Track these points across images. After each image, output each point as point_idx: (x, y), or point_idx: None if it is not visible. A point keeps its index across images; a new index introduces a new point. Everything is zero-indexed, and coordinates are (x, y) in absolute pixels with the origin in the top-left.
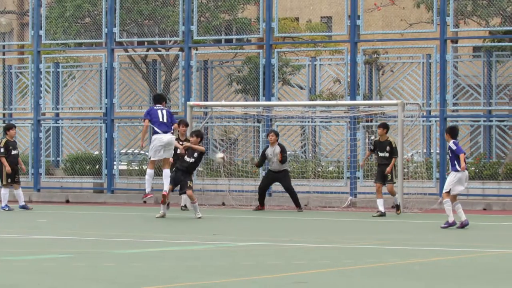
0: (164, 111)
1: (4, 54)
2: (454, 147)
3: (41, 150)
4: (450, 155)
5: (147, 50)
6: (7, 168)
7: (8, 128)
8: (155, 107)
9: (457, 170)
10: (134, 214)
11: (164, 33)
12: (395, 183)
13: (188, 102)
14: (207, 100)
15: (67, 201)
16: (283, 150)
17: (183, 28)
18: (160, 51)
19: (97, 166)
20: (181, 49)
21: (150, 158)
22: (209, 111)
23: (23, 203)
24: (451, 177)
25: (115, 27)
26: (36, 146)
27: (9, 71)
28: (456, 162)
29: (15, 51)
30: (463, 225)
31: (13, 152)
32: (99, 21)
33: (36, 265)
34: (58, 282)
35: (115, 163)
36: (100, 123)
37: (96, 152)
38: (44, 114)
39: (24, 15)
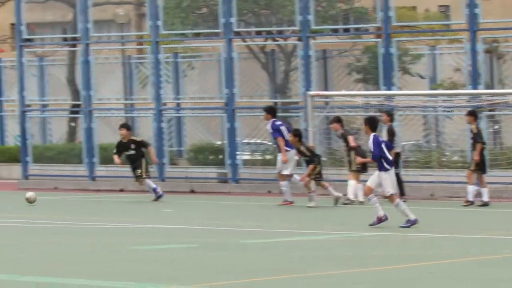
0: None
1: (123, 45)
2: (370, 146)
3: (163, 140)
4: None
5: (265, 40)
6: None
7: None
8: None
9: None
10: (259, 204)
11: (282, 22)
12: (473, 170)
13: (308, 92)
14: (327, 90)
15: (192, 191)
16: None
17: (300, 17)
18: (278, 41)
19: (220, 156)
20: (299, 39)
21: None
22: (330, 101)
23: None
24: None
25: (232, 17)
26: (158, 136)
27: (128, 61)
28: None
29: (134, 41)
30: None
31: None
32: (216, 11)
33: (164, 255)
34: (186, 272)
35: (238, 153)
36: (222, 113)
37: (219, 142)
38: (165, 104)
39: (142, 6)
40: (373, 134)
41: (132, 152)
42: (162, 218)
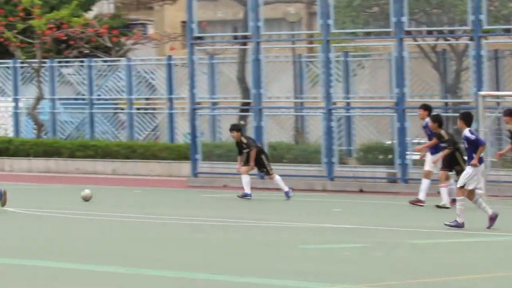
0: None
1: (293, 44)
2: (472, 137)
3: (333, 139)
4: (466, 145)
5: (436, 40)
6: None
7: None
8: None
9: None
10: (428, 204)
11: (453, 22)
12: None
13: (479, 92)
14: (498, 90)
15: (361, 191)
16: None
17: (472, 17)
18: (449, 40)
19: (389, 156)
20: (471, 39)
21: None
22: (501, 101)
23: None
24: (467, 171)
25: (404, 16)
26: (328, 135)
27: (299, 60)
28: (473, 154)
29: (304, 40)
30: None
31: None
32: (387, 10)
33: (332, 254)
34: (355, 270)
35: (408, 152)
36: (392, 112)
37: (389, 142)
38: (334, 103)
39: (312, 5)
40: (468, 129)
41: (247, 150)
42: (331, 217)
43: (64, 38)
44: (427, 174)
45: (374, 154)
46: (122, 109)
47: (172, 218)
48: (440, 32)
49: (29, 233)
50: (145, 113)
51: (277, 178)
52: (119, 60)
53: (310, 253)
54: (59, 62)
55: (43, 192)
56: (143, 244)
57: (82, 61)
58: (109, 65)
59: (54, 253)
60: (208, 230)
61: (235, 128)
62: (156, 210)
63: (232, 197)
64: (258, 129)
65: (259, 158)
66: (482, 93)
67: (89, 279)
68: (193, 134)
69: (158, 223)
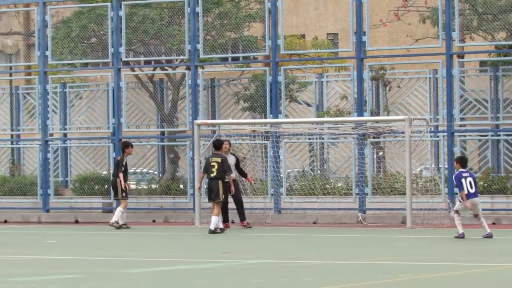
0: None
1: (11, 75)
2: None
3: (49, 170)
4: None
5: (154, 69)
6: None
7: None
8: None
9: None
10: (144, 233)
11: (170, 52)
12: None
13: (195, 121)
14: (214, 119)
15: (76, 221)
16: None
17: (189, 46)
18: (167, 70)
19: (106, 186)
20: (188, 68)
21: None
22: (217, 129)
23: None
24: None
25: (121, 46)
26: (44, 167)
27: (16, 92)
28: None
29: (22, 72)
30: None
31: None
32: (105, 41)
33: (42, 286)
34: None
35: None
36: (108, 142)
37: (105, 172)
38: (52, 134)
39: (30, 36)
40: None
41: None
42: (44, 249)
43: None
44: None
45: (90, 185)
46: None
47: None
48: (158, 62)
49: None
50: None
51: None
52: None
53: (18, 286)
54: None
55: None
56: None
57: None
58: None
59: None
60: None
61: None
62: None
63: None
64: None
65: None
66: (198, 121)
67: None
68: None
69: None
